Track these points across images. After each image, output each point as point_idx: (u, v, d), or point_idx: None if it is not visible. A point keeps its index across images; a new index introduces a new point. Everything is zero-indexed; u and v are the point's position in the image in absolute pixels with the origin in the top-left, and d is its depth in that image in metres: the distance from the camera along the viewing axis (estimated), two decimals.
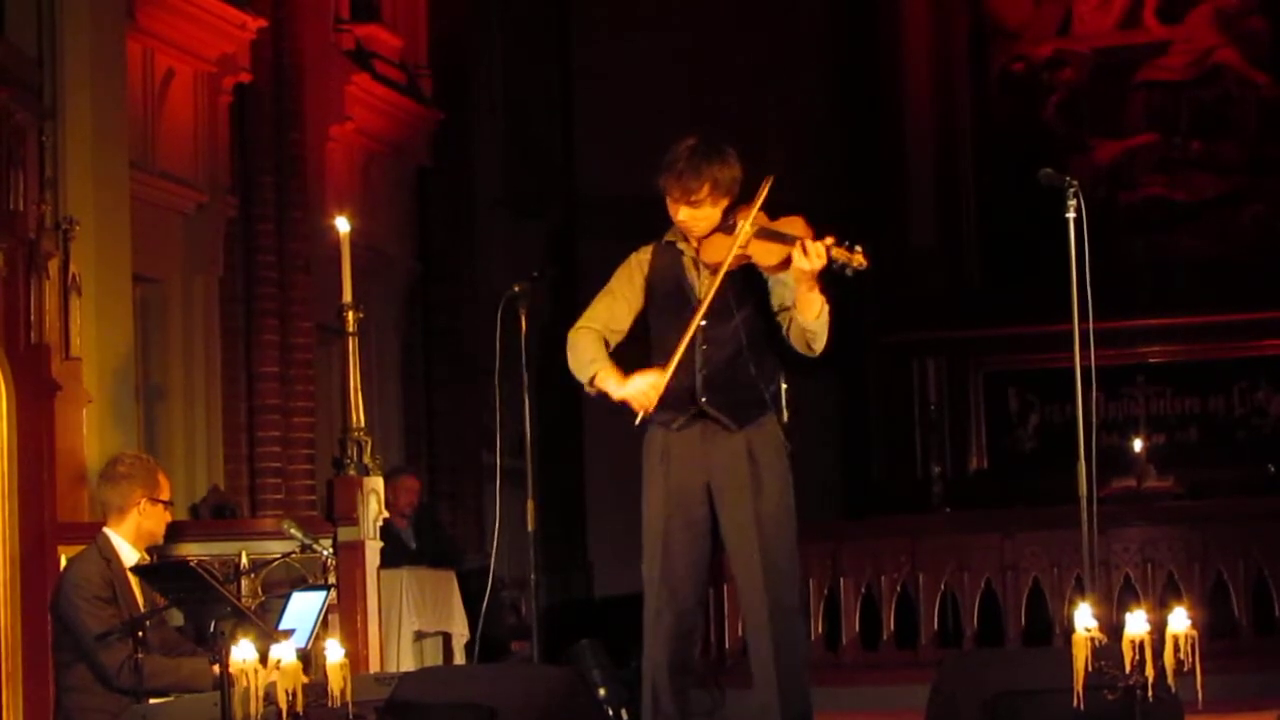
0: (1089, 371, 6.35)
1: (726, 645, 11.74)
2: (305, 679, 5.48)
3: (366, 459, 8.23)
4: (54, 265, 9.00)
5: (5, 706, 8.58)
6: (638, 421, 6.31)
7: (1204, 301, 15.90)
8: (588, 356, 6.42)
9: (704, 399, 6.32)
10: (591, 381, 6.40)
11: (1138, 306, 15.34)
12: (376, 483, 8.25)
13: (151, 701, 6.87)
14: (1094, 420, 6.36)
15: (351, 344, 8.34)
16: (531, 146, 16.36)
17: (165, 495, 7.44)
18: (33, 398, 8.61)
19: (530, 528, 7.34)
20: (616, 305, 6.50)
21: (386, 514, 8.37)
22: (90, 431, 9.13)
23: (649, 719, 6.38)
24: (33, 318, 8.80)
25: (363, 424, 8.27)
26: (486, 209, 15.51)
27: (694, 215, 6.33)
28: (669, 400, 6.32)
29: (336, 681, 5.46)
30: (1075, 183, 6.37)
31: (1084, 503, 6.27)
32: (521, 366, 7.39)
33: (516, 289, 7.37)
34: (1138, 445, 14.80)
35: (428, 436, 14.68)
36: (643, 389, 6.24)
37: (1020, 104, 17.08)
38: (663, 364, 6.27)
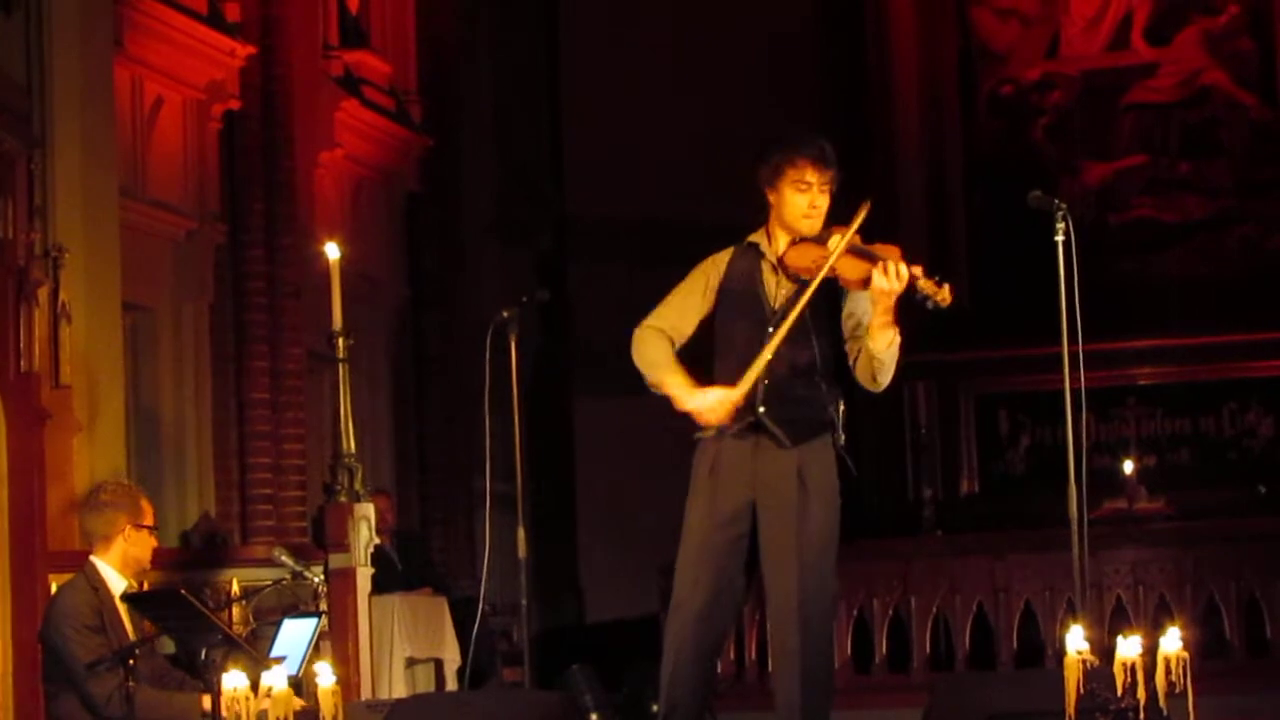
0: (1079, 393, 6.34)
1: (720, 669, 11.71)
2: (297, 706, 5.47)
3: (358, 485, 8.23)
4: (44, 293, 9.02)
5: None
6: (697, 436, 6.25)
7: (1194, 323, 15.90)
8: (657, 360, 6.30)
9: (762, 409, 6.24)
10: (658, 388, 6.30)
11: (1128, 328, 15.33)
12: (368, 509, 8.25)
13: None
14: (1085, 442, 6.35)
15: (342, 370, 8.33)
16: (521, 172, 16.37)
17: (149, 521, 7.40)
18: (23, 426, 8.60)
19: (521, 553, 7.33)
20: (686, 308, 6.38)
21: (379, 539, 8.37)
22: (80, 459, 9.13)
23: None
24: (22, 346, 8.80)
25: (354, 450, 8.27)
26: (476, 234, 15.52)
27: (818, 203, 6.26)
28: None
29: (328, 708, 5.45)
30: (1064, 205, 6.37)
31: (1075, 525, 6.26)
32: (512, 391, 7.38)
33: (506, 314, 7.36)
34: (1129, 467, 14.77)
35: (419, 462, 14.67)
36: (713, 405, 6.16)
37: (1009, 126, 17.08)
38: (733, 381, 6.19)
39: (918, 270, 6.06)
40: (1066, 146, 16.95)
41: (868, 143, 16.50)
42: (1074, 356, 6.33)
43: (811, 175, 6.25)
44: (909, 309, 6.17)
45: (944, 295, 6.03)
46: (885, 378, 6.25)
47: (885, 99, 16.98)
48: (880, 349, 6.18)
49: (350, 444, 8.23)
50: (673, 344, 6.35)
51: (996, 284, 16.27)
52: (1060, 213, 6.34)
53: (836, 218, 6.33)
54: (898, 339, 6.19)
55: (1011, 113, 17.10)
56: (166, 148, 11.62)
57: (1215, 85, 16.71)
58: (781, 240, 6.33)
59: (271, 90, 12.32)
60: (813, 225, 6.28)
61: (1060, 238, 6.32)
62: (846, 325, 6.34)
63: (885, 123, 16.93)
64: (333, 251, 8.31)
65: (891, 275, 6.02)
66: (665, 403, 6.39)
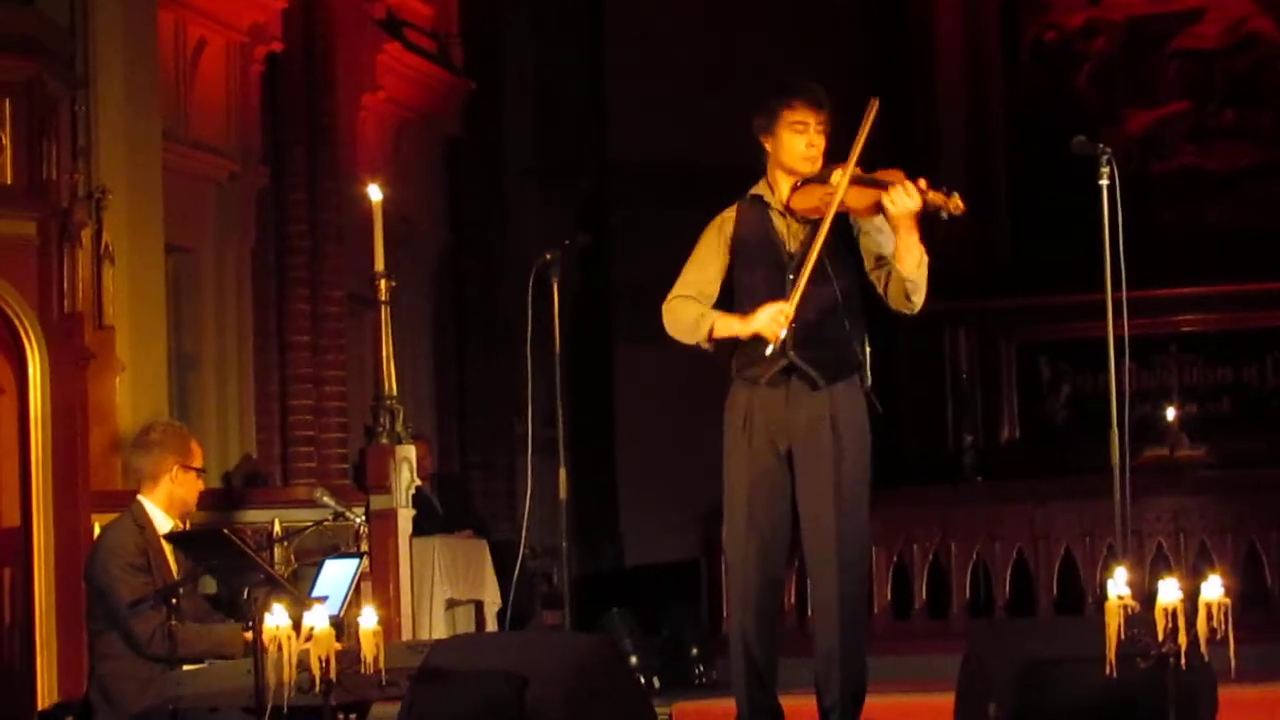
0: (1121, 341, 6.32)
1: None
2: (338, 646, 5.50)
3: (399, 428, 8.25)
4: (87, 234, 9.06)
5: (40, 672, 8.64)
6: (768, 351, 6.19)
7: (1237, 271, 15.81)
8: (694, 315, 6.36)
9: (793, 352, 6.26)
10: (709, 335, 6.31)
11: (1170, 276, 15.25)
12: (409, 451, 8.28)
13: (184, 668, 6.90)
14: (1126, 390, 6.32)
15: (384, 313, 8.35)
16: (562, 115, 16.33)
17: (197, 462, 7.43)
18: (66, 366, 8.67)
19: (562, 496, 7.34)
20: (706, 268, 6.43)
21: (420, 482, 8.39)
22: (123, 400, 9.18)
23: (746, 688, 6.34)
24: (66, 286, 8.86)
25: (395, 393, 8.29)
26: (517, 177, 15.51)
27: (816, 142, 6.30)
28: (757, 353, 6.28)
29: (369, 649, 5.48)
30: (1108, 150, 6.33)
31: (1116, 472, 6.24)
32: (553, 335, 7.38)
33: (548, 257, 7.34)
34: (1170, 415, 14.71)
35: (459, 406, 14.70)
36: (772, 315, 6.16)
37: (1052, 73, 16.98)
38: (784, 298, 6.21)
39: (923, 183, 6.06)
40: (1110, 94, 16.84)
41: (909, 90, 16.44)
42: (1116, 304, 6.29)
43: (807, 115, 6.31)
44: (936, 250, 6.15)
45: (955, 203, 6.06)
46: (919, 297, 6.26)
47: (927, 45, 16.89)
48: (910, 270, 6.19)
49: (392, 386, 8.25)
50: (700, 304, 6.41)
51: (1038, 232, 16.21)
52: (1105, 156, 6.30)
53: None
54: (925, 257, 6.19)
55: (1054, 60, 16.99)
56: (209, 90, 11.63)
57: (1260, 32, 16.58)
58: (784, 186, 6.37)
59: (314, 33, 12.32)
60: (813, 164, 6.32)
61: (1105, 182, 6.28)
62: (868, 258, 6.35)
63: (927, 69, 16.85)
64: (375, 193, 8.32)
65: (905, 195, 6.03)
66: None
